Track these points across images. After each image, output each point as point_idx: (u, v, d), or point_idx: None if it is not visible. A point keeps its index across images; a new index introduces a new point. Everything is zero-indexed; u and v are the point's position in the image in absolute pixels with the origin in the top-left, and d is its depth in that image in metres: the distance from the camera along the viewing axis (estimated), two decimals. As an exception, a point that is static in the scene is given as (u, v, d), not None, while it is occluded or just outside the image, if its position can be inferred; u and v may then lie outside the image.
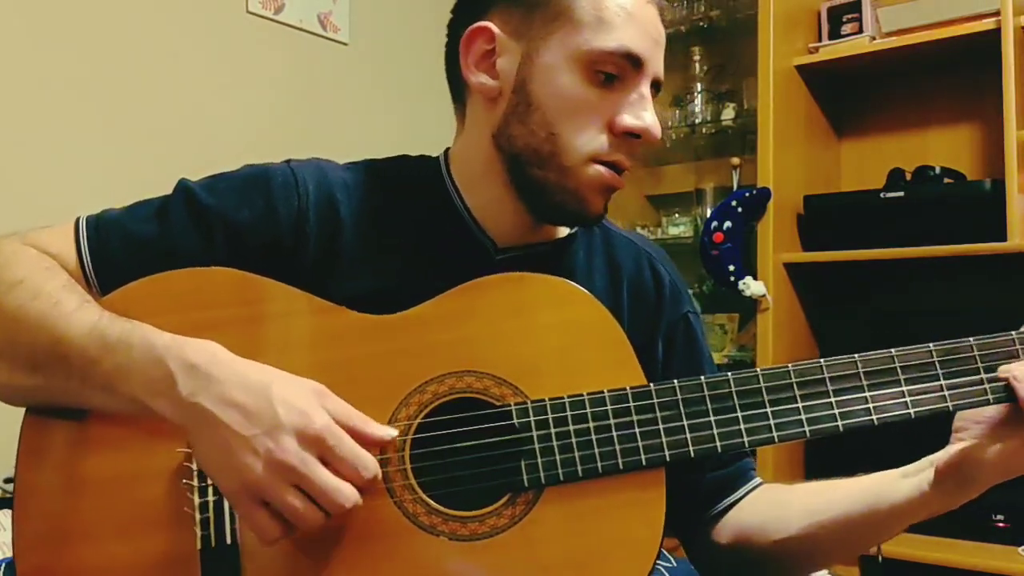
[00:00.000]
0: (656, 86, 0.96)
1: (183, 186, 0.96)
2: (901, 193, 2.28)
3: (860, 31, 2.45)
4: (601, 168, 0.93)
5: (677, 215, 2.86)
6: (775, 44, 2.41)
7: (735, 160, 2.64)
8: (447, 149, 1.04)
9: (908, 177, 2.36)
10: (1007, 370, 0.84)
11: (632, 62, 0.92)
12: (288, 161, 1.00)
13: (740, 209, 2.43)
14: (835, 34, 2.51)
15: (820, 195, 2.48)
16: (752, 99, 2.56)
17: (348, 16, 2.68)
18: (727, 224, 2.44)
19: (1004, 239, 2.12)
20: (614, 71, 0.92)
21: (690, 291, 2.73)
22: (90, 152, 2.11)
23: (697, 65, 2.82)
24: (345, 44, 2.69)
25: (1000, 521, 2.07)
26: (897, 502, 0.91)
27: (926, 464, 0.90)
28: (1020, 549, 2.01)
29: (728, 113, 2.72)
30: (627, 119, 0.92)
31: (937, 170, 2.31)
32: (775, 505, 1.01)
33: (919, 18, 2.33)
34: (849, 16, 2.48)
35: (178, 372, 0.79)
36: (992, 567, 1.97)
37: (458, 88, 1.01)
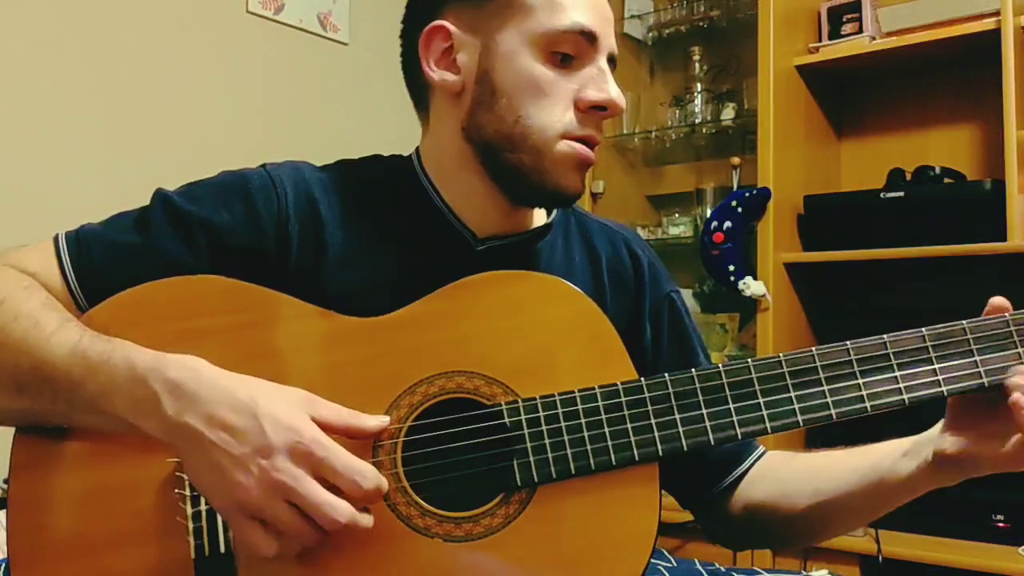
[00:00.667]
0: (612, 61, 0.98)
1: (161, 195, 0.96)
2: (901, 193, 2.28)
3: (860, 31, 2.45)
4: (573, 144, 0.95)
5: (677, 215, 2.86)
6: (775, 44, 2.40)
7: (735, 160, 2.63)
8: (417, 148, 1.05)
9: (908, 177, 2.36)
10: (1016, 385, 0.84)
11: (587, 38, 0.94)
12: (263, 165, 1.00)
13: (740, 209, 2.42)
14: (835, 34, 2.50)
15: (820, 195, 2.47)
16: (752, 99, 2.55)
17: (348, 16, 2.68)
18: (727, 224, 2.44)
19: (1004, 239, 2.11)
20: (571, 50, 0.94)
21: (690, 290, 2.74)
22: (90, 152, 2.11)
23: (697, 65, 2.82)
24: (345, 44, 2.69)
25: (1000, 521, 2.06)
26: (898, 482, 0.93)
27: (925, 442, 0.91)
28: (1020, 549, 2.00)
29: (728, 113, 2.71)
30: (591, 93, 0.94)
31: (937, 170, 2.30)
32: (781, 482, 1.04)
33: (919, 18, 2.32)
34: (849, 16, 2.48)
35: (162, 392, 0.79)
36: (992, 567, 1.96)
37: (419, 90, 1.02)
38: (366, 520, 0.79)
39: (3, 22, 1.97)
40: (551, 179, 0.95)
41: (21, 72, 2.00)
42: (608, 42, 0.97)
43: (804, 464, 1.05)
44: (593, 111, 0.95)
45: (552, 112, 0.94)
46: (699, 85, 2.80)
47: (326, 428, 0.79)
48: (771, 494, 1.04)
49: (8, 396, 0.84)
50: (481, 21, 0.95)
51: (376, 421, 0.83)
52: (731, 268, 2.42)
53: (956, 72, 2.45)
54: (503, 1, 0.95)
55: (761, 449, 1.08)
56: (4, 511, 1.07)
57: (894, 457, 0.94)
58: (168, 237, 0.93)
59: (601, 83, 0.95)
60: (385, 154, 1.08)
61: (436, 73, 0.97)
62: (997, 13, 2.17)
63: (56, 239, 0.94)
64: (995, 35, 2.16)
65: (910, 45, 2.32)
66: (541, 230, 1.04)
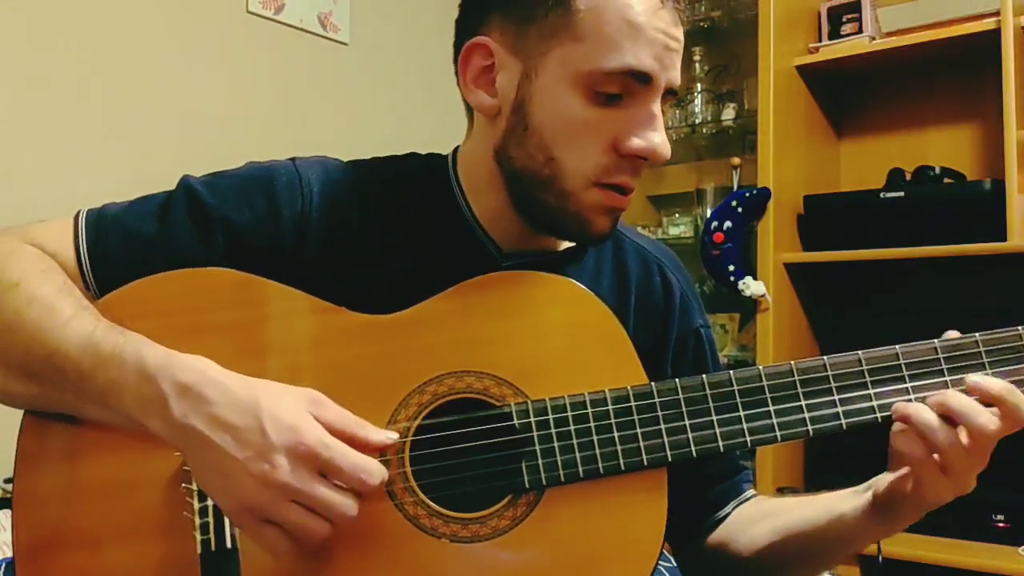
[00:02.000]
0: (672, 93, 0.90)
1: (185, 184, 0.95)
2: (901, 193, 2.28)
3: (860, 31, 2.45)
4: (604, 191, 0.89)
5: (677, 215, 2.86)
6: (775, 44, 2.41)
7: (735, 160, 2.64)
8: (457, 148, 1.02)
9: (908, 177, 2.36)
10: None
11: (639, 79, 0.86)
12: (293, 159, 0.98)
13: (740, 209, 2.43)
14: (835, 34, 2.51)
15: (820, 195, 2.48)
16: (752, 99, 2.56)
17: (348, 16, 2.68)
18: (727, 224, 2.44)
19: (1004, 239, 2.12)
20: (618, 91, 0.86)
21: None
22: (90, 152, 2.10)
23: (698, 65, 2.83)
24: (345, 44, 2.68)
25: (1000, 521, 2.07)
26: (841, 525, 0.91)
27: (871, 484, 0.90)
28: (1020, 549, 2.01)
29: (728, 113, 2.72)
30: (635, 141, 0.87)
31: (937, 170, 2.31)
32: (748, 521, 1.02)
33: (919, 18, 2.33)
34: (849, 16, 2.49)
35: (170, 393, 0.78)
36: (992, 567, 1.97)
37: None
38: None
39: (4, 21, 1.97)
40: (575, 222, 0.91)
41: (22, 71, 1.99)
42: (667, 77, 0.87)
43: (771, 504, 1.03)
44: (633, 159, 0.88)
45: (586, 156, 0.87)
46: (700, 85, 2.81)
47: (330, 432, 0.78)
48: (739, 531, 1.02)
49: (18, 381, 0.84)
50: (525, 42, 0.88)
51: (383, 436, 0.81)
52: (731, 268, 2.42)
53: (956, 72, 2.46)
54: (551, 24, 0.87)
55: (749, 493, 1.06)
56: (7, 510, 1.07)
57: (844, 499, 0.92)
58: (186, 230, 0.92)
59: (648, 130, 0.87)
60: (401, 153, 1.06)
61: (472, 94, 0.92)
62: (997, 13, 2.17)
63: (77, 218, 0.93)
64: (995, 35, 2.17)
65: (910, 45, 2.33)
66: (572, 252, 1.00)
